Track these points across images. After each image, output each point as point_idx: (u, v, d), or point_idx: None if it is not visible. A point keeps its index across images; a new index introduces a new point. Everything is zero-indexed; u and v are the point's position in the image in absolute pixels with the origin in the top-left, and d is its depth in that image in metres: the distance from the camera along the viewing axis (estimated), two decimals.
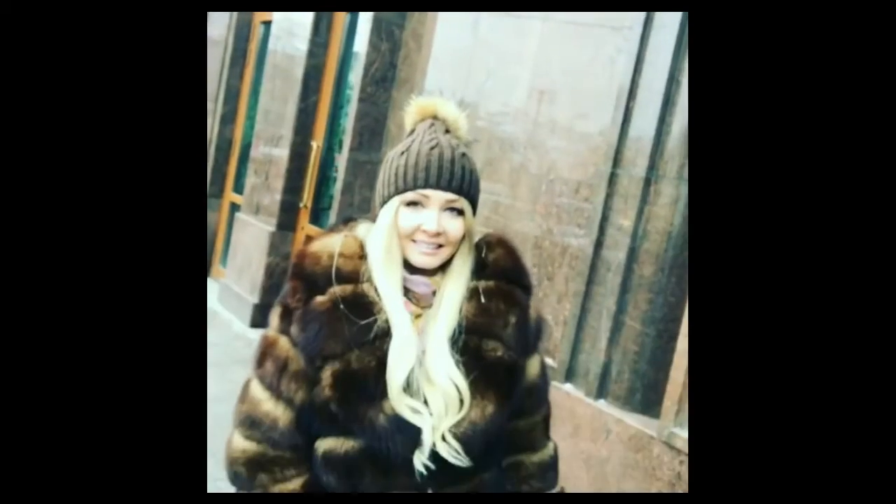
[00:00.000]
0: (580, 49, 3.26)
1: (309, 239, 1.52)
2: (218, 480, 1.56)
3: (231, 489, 1.49)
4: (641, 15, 2.88)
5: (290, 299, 1.44)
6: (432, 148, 1.41)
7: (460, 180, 1.41)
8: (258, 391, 1.45)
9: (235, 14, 7.38)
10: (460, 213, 1.42)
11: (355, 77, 5.21)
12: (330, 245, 1.45)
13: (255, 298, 5.90)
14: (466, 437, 1.39)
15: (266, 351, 1.46)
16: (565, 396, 2.96)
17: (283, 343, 1.44)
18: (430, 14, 4.55)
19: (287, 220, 5.88)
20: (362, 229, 1.50)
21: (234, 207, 7.17)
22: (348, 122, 5.10)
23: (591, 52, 3.20)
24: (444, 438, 1.38)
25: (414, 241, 1.42)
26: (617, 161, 2.91)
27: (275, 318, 1.47)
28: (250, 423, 1.44)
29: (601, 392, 2.92)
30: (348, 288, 1.41)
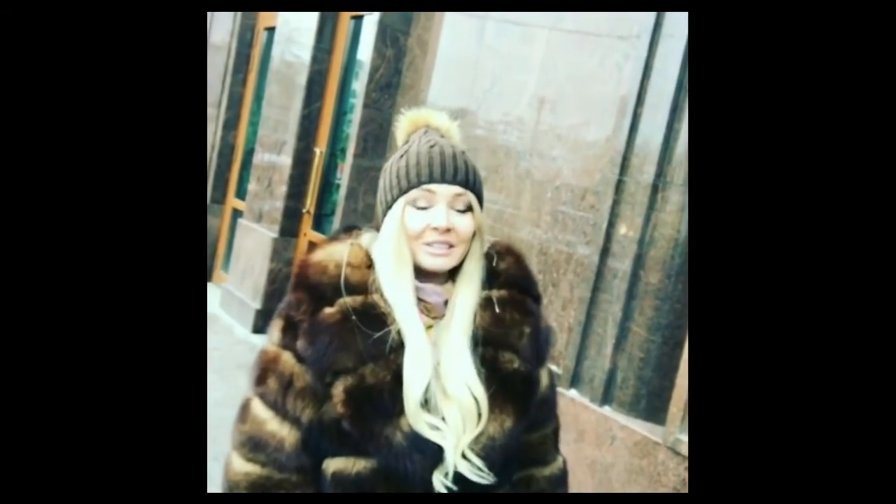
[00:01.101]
0: (587, 57, 3.27)
1: (311, 247, 1.47)
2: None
3: None
4: (649, 24, 2.89)
5: (295, 312, 1.37)
6: (432, 146, 1.39)
7: (465, 174, 1.38)
8: (261, 410, 1.38)
9: (239, 20, 7.40)
10: (468, 209, 1.38)
11: (359, 83, 5.22)
12: (335, 254, 1.40)
13: (257, 304, 5.91)
14: (486, 454, 1.34)
15: (267, 367, 1.39)
16: (570, 402, 2.96)
17: (287, 358, 1.37)
18: (436, 21, 4.56)
19: (290, 225, 5.89)
20: (367, 238, 1.45)
21: (237, 213, 7.18)
22: (352, 129, 5.11)
23: (598, 60, 3.21)
24: (464, 456, 1.33)
25: (424, 243, 1.37)
26: (624, 168, 2.92)
27: (275, 331, 1.40)
28: (253, 444, 1.37)
29: (606, 398, 2.92)
30: (358, 299, 1.35)
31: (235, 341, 5.69)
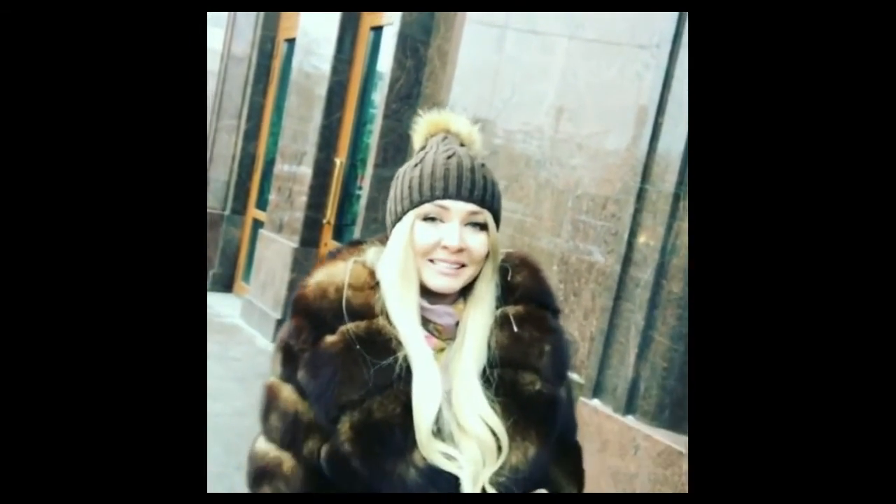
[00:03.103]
0: (606, 66, 3.27)
1: (311, 271, 1.37)
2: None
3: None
4: (669, 33, 2.89)
5: (295, 340, 1.27)
6: (449, 157, 1.29)
7: (482, 190, 1.28)
8: (264, 445, 1.31)
9: (259, 32, 7.47)
10: (483, 227, 1.29)
11: (379, 94, 5.25)
12: (335, 276, 1.30)
13: (277, 314, 5.94)
14: (509, 486, 1.24)
15: (269, 403, 1.31)
16: (593, 412, 2.95)
17: (288, 394, 1.28)
18: (456, 31, 4.58)
19: (310, 236, 5.92)
20: (371, 254, 1.34)
21: (257, 224, 7.22)
22: (372, 139, 5.14)
23: (618, 69, 3.21)
24: (484, 492, 1.23)
25: (432, 260, 1.28)
26: (645, 176, 2.91)
27: (276, 364, 1.31)
28: (258, 476, 1.31)
29: (629, 408, 2.91)
30: (362, 325, 1.25)
31: (257, 351, 5.72)
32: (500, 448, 1.24)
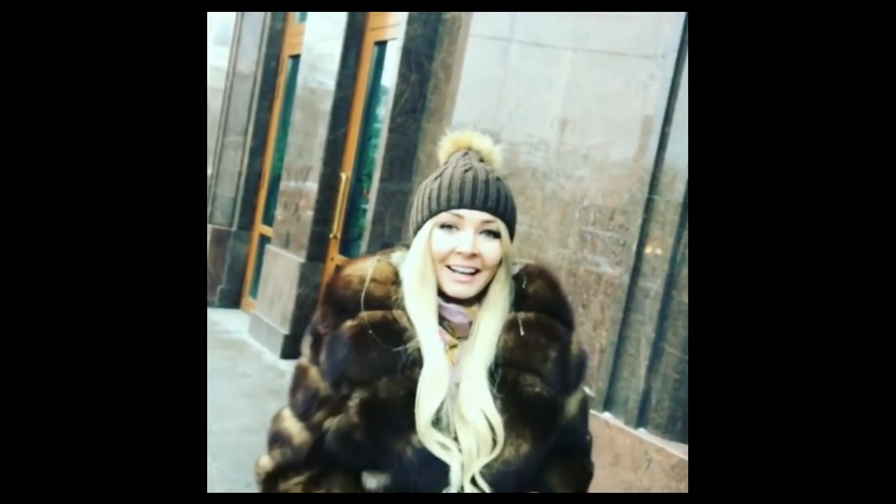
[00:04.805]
0: (612, 77, 3.27)
1: (343, 264, 1.51)
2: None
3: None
4: (675, 43, 2.88)
5: (321, 325, 1.42)
6: (466, 171, 1.40)
7: (495, 201, 1.39)
8: (287, 415, 1.45)
9: (264, 48, 7.50)
10: (496, 236, 1.39)
11: (384, 109, 5.26)
12: (362, 269, 1.44)
13: (285, 329, 5.93)
14: (498, 479, 1.35)
15: (297, 382, 1.45)
16: (604, 425, 2.93)
17: (314, 373, 1.41)
18: (460, 44, 4.58)
19: (317, 251, 5.92)
20: (397, 255, 1.47)
21: (264, 239, 7.23)
22: (378, 153, 5.13)
23: (623, 80, 3.20)
24: (473, 481, 1.34)
25: (448, 267, 1.38)
26: (653, 186, 2.90)
27: (306, 347, 1.45)
28: (273, 440, 1.45)
29: (641, 420, 2.88)
30: (378, 314, 1.38)
31: (265, 367, 5.70)
32: (495, 441, 1.34)
